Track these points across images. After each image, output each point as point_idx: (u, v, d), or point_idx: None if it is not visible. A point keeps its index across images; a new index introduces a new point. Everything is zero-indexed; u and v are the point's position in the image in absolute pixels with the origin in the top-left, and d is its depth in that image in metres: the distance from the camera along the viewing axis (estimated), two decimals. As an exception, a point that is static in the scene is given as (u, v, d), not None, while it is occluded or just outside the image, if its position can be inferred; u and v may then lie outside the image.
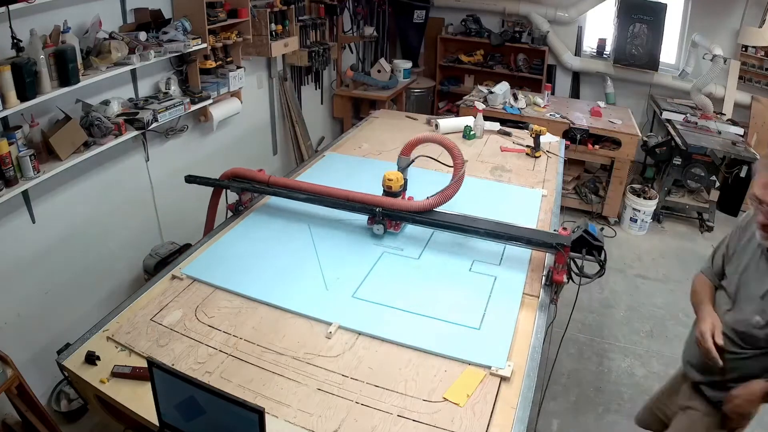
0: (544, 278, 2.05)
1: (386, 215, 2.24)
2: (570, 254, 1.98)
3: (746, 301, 1.69)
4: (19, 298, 2.56)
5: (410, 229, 2.38)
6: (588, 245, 1.96)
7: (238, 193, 2.47)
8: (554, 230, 2.24)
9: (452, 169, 2.30)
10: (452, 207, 2.32)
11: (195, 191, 3.83)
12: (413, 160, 2.43)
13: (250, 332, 1.77)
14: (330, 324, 1.80)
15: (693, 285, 1.94)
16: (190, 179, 2.54)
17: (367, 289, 1.99)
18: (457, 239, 2.38)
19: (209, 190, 2.59)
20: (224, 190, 2.52)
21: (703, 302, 1.82)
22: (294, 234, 2.35)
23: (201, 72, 3.30)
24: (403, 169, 2.40)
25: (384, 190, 2.32)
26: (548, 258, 2.17)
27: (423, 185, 2.44)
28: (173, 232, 3.43)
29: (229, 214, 2.52)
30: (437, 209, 2.25)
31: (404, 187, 2.36)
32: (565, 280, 1.99)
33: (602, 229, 2.02)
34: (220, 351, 1.69)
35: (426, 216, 2.22)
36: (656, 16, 5.51)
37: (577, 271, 2.02)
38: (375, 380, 1.60)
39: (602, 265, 1.96)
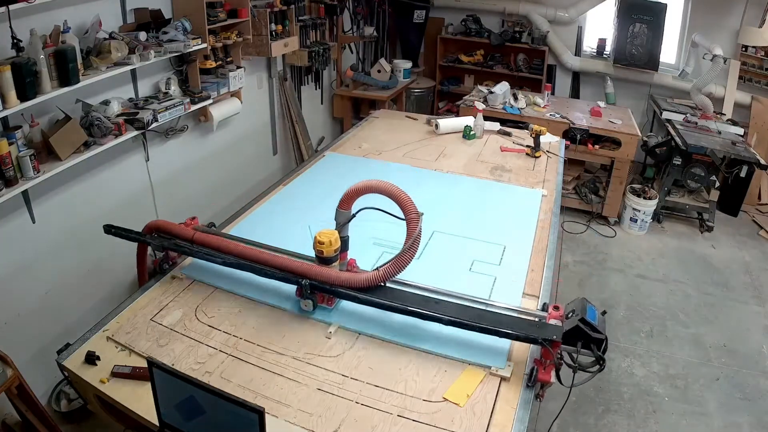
0: (526, 376, 1.64)
1: (316, 288, 1.81)
2: (561, 347, 1.59)
3: None
4: (19, 298, 2.56)
5: (349, 304, 1.88)
6: (585, 337, 1.56)
7: (160, 251, 2.07)
8: (543, 307, 1.84)
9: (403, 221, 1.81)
10: (446, 208, 2.26)
11: (195, 191, 3.84)
12: (354, 215, 1.90)
13: (250, 332, 1.77)
14: (330, 324, 1.80)
15: None
16: (109, 230, 2.13)
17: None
18: (457, 239, 2.38)
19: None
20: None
21: None
22: (294, 234, 2.35)
23: (201, 72, 3.29)
24: (341, 225, 1.91)
25: (316, 254, 1.86)
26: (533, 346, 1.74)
27: (377, 236, 2.18)
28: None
29: (157, 271, 2.13)
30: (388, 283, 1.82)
31: (343, 249, 1.90)
32: (553, 379, 1.59)
33: (604, 312, 1.63)
34: (220, 351, 1.69)
35: (372, 294, 1.78)
36: (656, 16, 5.51)
37: (571, 363, 1.59)
38: (375, 380, 1.60)
39: (602, 360, 1.55)
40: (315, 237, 1.82)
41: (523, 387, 1.61)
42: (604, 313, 1.63)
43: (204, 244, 2.02)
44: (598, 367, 1.55)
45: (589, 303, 1.63)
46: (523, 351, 1.73)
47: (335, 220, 1.92)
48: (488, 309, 1.79)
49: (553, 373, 1.57)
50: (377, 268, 1.82)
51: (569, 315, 1.64)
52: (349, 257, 1.97)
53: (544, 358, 1.58)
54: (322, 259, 1.84)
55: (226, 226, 2.43)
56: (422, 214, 1.80)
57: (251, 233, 2.35)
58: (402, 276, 1.94)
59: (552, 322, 1.66)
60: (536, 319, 1.73)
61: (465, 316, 1.68)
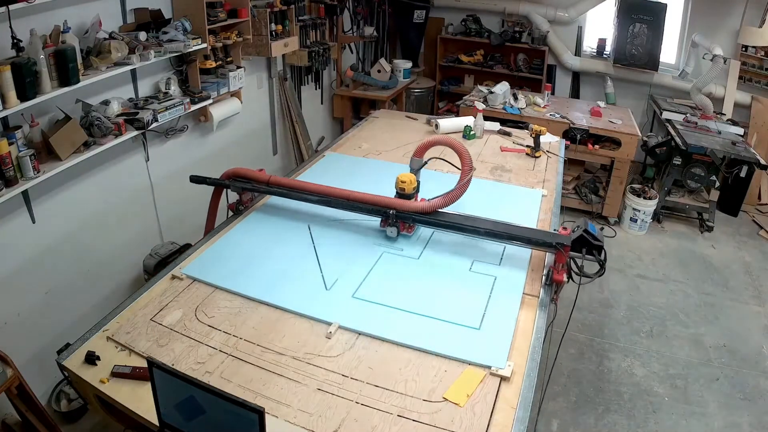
0: (544, 278, 2.05)
1: (399, 218, 2.25)
2: (570, 254, 1.98)
3: None
4: (19, 298, 2.56)
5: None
6: (588, 245, 1.97)
7: (239, 192, 2.47)
8: (554, 230, 2.24)
9: (459, 171, 2.32)
10: (453, 207, 2.31)
11: (195, 191, 3.83)
12: (426, 162, 2.44)
13: (250, 332, 1.77)
14: (330, 324, 1.80)
15: None
16: (195, 179, 2.55)
17: (367, 289, 1.99)
18: (457, 239, 2.38)
19: (209, 190, 2.59)
20: (225, 189, 2.52)
21: None
22: (294, 234, 2.35)
23: (201, 72, 3.29)
24: (415, 171, 2.42)
25: (397, 192, 2.32)
26: (548, 258, 2.17)
27: (427, 186, 2.45)
28: (173, 232, 3.44)
29: (230, 213, 2.52)
30: (441, 210, 2.26)
31: (417, 189, 2.36)
32: (565, 279, 1.99)
33: (602, 228, 2.05)
34: (220, 351, 1.69)
35: (432, 217, 2.24)
36: (656, 16, 5.51)
37: (577, 271, 2.03)
38: (375, 380, 1.60)
39: (602, 264, 1.97)
40: (398, 177, 2.31)
41: (542, 287, 2.00)
42: (602, 228, 2.08)
43: (279, 185, 2.41)
44: (599, 269, 1.95)
45: (590, 222, 2.01)
46: (524, 349, 1.73)
47: (410, 166, 2.47)
48: (513, 225, 2.18)
49: (565, 275, 1.98)
50: (432, 198, 2.26)
51: (575, 230, 2.01)
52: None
53: (557, 262, 1.99)
54: (403, 196, 2.31)
55: (226, 226, 2.43)
56: (474, 169, 2.34)
57: (251, 233, 2.36)
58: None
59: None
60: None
61: (497, 228, 2.12)
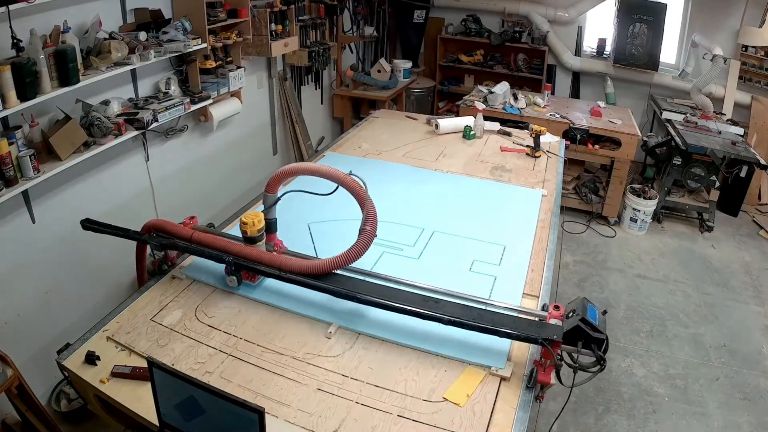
0: (525, 378, 1.63)
1: (240, 267, 1.90)
2: (562, 347, 1.58)
3: None
4: (19, 298, 2.56)
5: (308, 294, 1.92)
6: (585, 337, 1.55)
7: (159, 250, 2.07)
8: (543, 307, 1.86)
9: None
10: (446, 208, 2.29)
11: (195, 191, 3.84)
12: (279, 198, 1.99)
13: (250, 332, 1.77)
14: (330, 324, 1.80)
15: None
16: (87, 227, 2.18)
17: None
18: (457, 239, 2.38)
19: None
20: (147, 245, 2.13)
21: None
22: (294, 233, 2.35)
23: (201, 72, 3.29)
24: (267, 208, 2.00)
25: (242, 235, 1.96)
26: (532, 347, 1.74)
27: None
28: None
29: (156, 272, 2.13)
30: (339, 273, 1.86)
31: (270, 230, 2.01)
32: (553, 381, 1.57)
33: (605, 312, 1.62)
34: (220, 351, 1.69)
35: (325, 281, 1.83)
36: (656, 16, 5.51)
37: (571, 363, 1.58)
38: (375, 380, 1.60)
39: (602, 360, 1.54)
40: (240, 218, 1.95)
41: (523, 388, 1.60)
42: (604, 312, 1.63)
43: (203, 243, 1.99)
44: (598, 366, 1.54)
45: (589, 302, 1.62)
46: (523, 351, 1.73)
47: (263, 203, 2.01)
48: (488, 309, 1.79)
49: (553, 374, 1.56)
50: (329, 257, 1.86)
51: (569, 315, 1.62)
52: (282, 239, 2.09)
53: (544, 358, 1.57)
54: (248, 239, 1.94)
55: (226, 226, 2.42)
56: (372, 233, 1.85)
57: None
58: (401, 275, 1.99)
59: (552, 321, 1.65)
60: (536, 319, 1.73)
61: (465, 315, 1.67)
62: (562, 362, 1.57)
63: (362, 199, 1.84)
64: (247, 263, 1.90)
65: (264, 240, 1.99)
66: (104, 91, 2.80)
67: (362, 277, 1.93)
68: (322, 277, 1.84)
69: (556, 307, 1.69)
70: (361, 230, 1.83)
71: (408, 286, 1.91)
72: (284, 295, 1.93)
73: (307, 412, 1.49)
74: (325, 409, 1.50)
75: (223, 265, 1.93)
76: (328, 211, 2.46)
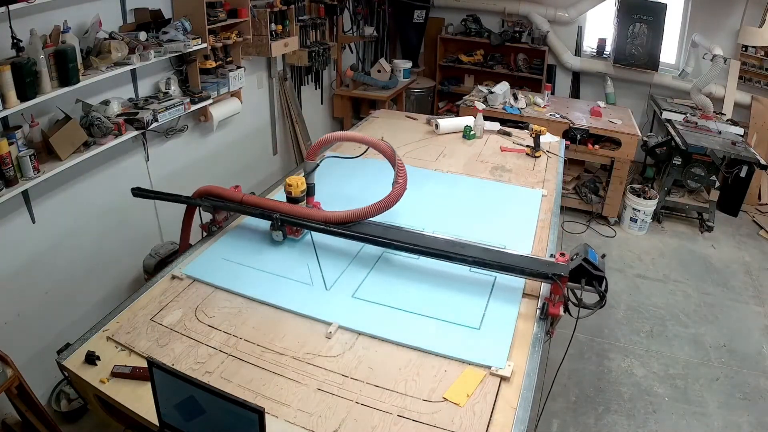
0: (538, 311, 1.88)
1: (285, 222, 2.16)
2: (568, 284, 1.82)
3: None
4: (19, 298, 2.56)
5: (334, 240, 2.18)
6: (588, 275, 1.79)
7: (211, 212, 2.31)
8: (551, 255, 2.09)
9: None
10: (440, 225, 2.29)
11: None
12: (318, 164, 2.32)
13: (250, 332, 1.77)
14: (330, 324, 1.80)
15: None
16: (140, 193, 2.42)
17: (367, 289, 1.99)
18: (457, 240, 2.37)
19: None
20: (198, 208, 2.36)
21: None
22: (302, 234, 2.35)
23: (201, 72, 3.30)
24: (308, 173, 2.31)
25: (286, 196, 2.24)
26: (543, 286, 2.00)
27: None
28: (173, 232, 3.43)
29: (204, 234, 2.36)
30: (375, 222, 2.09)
31: (309, 194, 2.29)
32: (561, 312, 1.82)
33: (603, 256, 1.85)
34: (220, 351, 1.69)
35: (349, 228, 2.07)
36: (656, 16, 5.51)
37: (576, 302, 1.84)
38: (375, 380, 1.60)
39: (603, 296, 1.79)
40: (285, 180, 2.22)
41: (536, 321, 1.82)
42: (603, 256, 1.85)
43: (252, 204, 2.24)
44: (599, 300, 1.76)
45: (590, 248, 1.83)
46: (524, 349, 1.73)
47: (303, 169, 2.34)
48: (505, 252, 1.99)
49: (561, 308, 1.79)
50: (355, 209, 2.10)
51: (573, 257, 1.83)
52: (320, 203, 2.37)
53: (553, 294, 1.80)
54: (291, 199, 2.22)
55: (202, 244, 2.41)
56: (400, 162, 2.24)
57: (252, 232, 2.36)
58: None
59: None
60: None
61: (487, 257, 1.92)
62: (569, 300, 1.81)
63: (391, 157, 2.24)
64: (293, 219, 2.15)
65: (305, 201, 2.27)
66: (104, 91, 2.80)
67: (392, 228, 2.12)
68: (357, 227, 2.08)
69: (562, 254, 1.90)
70: (394, 182, 2.15)
71: (432, 238, 2.09)
72: (284, 296, 1.93)
73: (307, 412, 1.49)
74: (325, 409, 1.50)
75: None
76: (358, 180, 2.62)
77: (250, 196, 2.31)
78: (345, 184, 2.83)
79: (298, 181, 2.22)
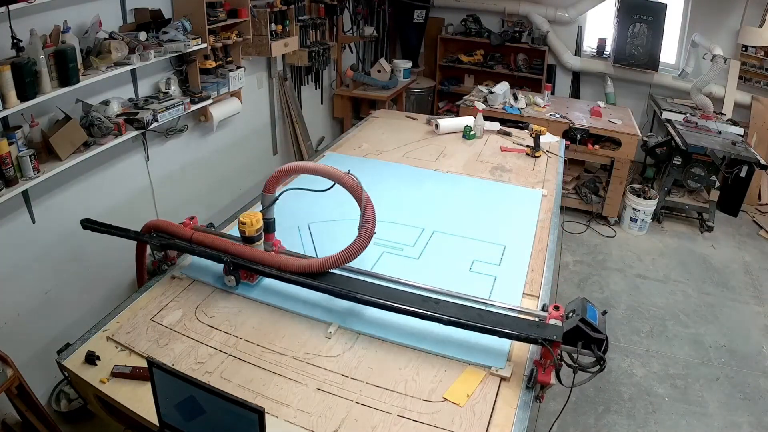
0: (525, 378, 1.64)
1: (239, 266, 1.91)
2: (562, 347, 1.58)
3: None
4: (19, 298, 2.56)
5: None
6: (585, 337, 1.54)
7: (159, 250, 2.07)
8: (543, 307, 1.85)
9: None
10: (446, 208, 2.29)
11: (195, 191, 3.84)
12: (277, 198, 2.00)
13: (250, 332, 1.77)
14: (330, 324, 1.80)
15: None
16: (89, 226, 2.18)
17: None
18: (457, 240, 2.38)
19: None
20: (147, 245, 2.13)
21: None
22: (294, 233, 2.35)
23: (201, 72, 3.29)
24: (266, 208, 2.01)
25: (240, 236, 1.97)
26: (532, 346, 1.74)
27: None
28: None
29: (156, 272, 2.13)
30: (333, 272, 1.86)
31: (269, 230, 2.01)
32: (553, 381, 1.57)
33: (604, 313, 1.62)
34: (220, 351, 1.69)
35: (324, 280, 1.84)
36: (656, 16, 5.51)
37: (571, 363, 1.57)
38: (375, 380, 1.60)
39: (602, 361, 1.53)
40: (239, 218, 1.95)
41: (523, 389, 1.60)
42: (604, 313, 1.62)
43: (203, 243, 2.00)
44: (598, 367, 1.54)
45: (589, 303, 1.61)
46: (523, 351, 1.73)
47: (261, 203, 2.02)
48: (488, 309, 1.80)
49: (553, 374, 1.56)
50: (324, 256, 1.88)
51: (569, 315, 1.62)
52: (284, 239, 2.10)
53: (544, 358, 1.57)
54: (246, 239, 1.95)
55: (225, 226, 2.42)
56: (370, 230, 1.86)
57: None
58: (401, 275, 1.99)
59: (552, 322, 1.65)
60: (536, 319, 1.74)
61: (465, 316, 1.67)
62: (562, 363, 1.57)
63: (359, 197, 1.86)
64: (245, 263, 1.91)
65: (262, 240, 1.99)
66: (104, 91, 2.80)
67: (362, 277, 1.93)
68: (321, 277, 1.85)
69: (556, 308, 1.69)
70: (360, 227, 1.85)
71: (407, 286, 1.92)
72: (284, 296, 1.93)
73: (307, 412, 1.49)
74: (325, 409, 1.50)
75: (220, 262, 1.92)
76: (328, 210, 2.46)
77: (202, 233, 2.06)
78: (316, 204, 2.58)
79: (252, 219, 1.93)
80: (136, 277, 2.26)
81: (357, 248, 1.83)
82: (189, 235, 2.02)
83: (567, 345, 1.56)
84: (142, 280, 2.21)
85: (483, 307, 1.79)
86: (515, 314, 1.77)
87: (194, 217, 2.19)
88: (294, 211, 2.53)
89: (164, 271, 2.08)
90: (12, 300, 2.52)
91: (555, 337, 1.56)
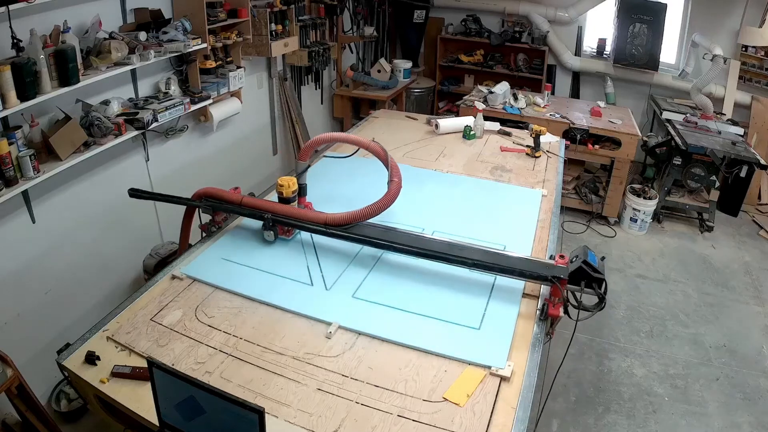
0: (538, 312, 1.89)
1: (277, 222, 2.18)
2: (567, 286, 1.82)
3: None
4: (19, 298, 2.56)
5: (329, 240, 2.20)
6: (587, 277, 1.79)
7: (210, 213, 2.34)
8: (550, 257, 2.09)
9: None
10: (446, 208, 2.30)
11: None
12: (309, 165, 2.40)
13: (250, 332, 1.77)
14: (330, 324, 1.80)
15: None
16: (136, 194, 2.43)
17: (367, 289, 1.99)
18: (457, 240, 2.37)
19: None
20: (197, 209, 2.38)
21: None
22: (294, 234, 2.35)
23: (201, 72, 3.29)
24: (299, 174, 2.35)
25: (278, 196, 2.26)
26: (543, 287, 1.99)
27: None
28: (173, 232, 3.42)
29: (203, 234, 2.38)
30: (371, 223, 2.10)
31: (301, 194, 2.32)
32: (561, 314, 1.84)
33: (603, 258, 1.85)
34: (220, 351, 1.69)
35: (348, 230, 2.09)
36: (656, 16, 5.51)
37: (575, 304, 1.85)
38: (375, 380, 1.60)
39: (603, 298, 1.79)
40: (277, 181, 2.24)
41: (536, 321, 1.82)
42: (603, 258, 1.84)
43: (253, 206, 2.24)
44: (600, 305, 1.77)
45: (589, 250, 1.82)
46: (524, 349, 1.73)
47: (295, 169, 2.38)
48: (505, 255, 1.99)
49: (561, 309, 1.80)
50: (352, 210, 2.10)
51: (573, 260, 1.83)
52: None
53: (553, 295, 1.81)
54: (282, 199, 2.24)
55: (223, 228, 2.42)
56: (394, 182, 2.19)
57: (252, 232, 2.36)
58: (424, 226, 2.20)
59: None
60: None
61: (486, 258, 1.93)
62: (569, 302, 1.82)
63: (384, 158, 2.26)
64: (283, 218, 2.17)
65: (297, 201, 2.28)
66: (104, 91, 2.80)
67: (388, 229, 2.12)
68: (356, 229, 2.08)
69: (562, 256, 1.88)
70: (390, 181, 2.17)
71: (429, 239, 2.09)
72: (284, 295, 1.93)
73: (307, 412, 1.49)
74: (325, 409, 1.50)
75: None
76: (329, 206, 2.46)
77: (249, 197, 2.32)
78: (340, 184, 2.85)
79: (289, 182, 2.23)
80: (179, 243, 2.50)
81: (390, 197, 2.10)
82: (239, 199, 2.27)
83: (572, 285, 1.80)
84: (184, 245, 2.43)
85: (500, 254, 1.99)
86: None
87: (238, 187, 2.40)
88: (320, 187, 2.56)
89: (212, 234, 2.33)
90: (12, 300, 2.52)
91: (562, 275, 1.79)
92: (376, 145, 2.27)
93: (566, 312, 1.84)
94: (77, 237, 2.83)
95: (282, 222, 2.19)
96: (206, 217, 2.36)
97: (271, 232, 2.19)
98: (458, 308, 1.90)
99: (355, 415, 1.48)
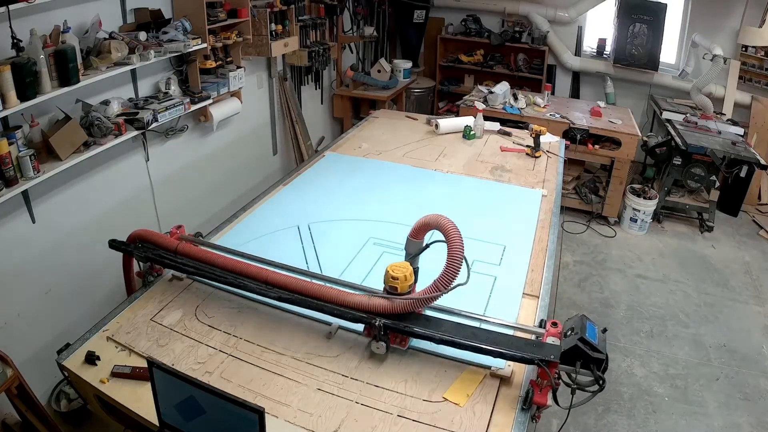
0: (520, 399, 1.55)
1: (389, 329, 1.64)
2: (559, 366, 1.49)
3: None
4: (19, 298, 2.56)
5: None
6: (584, 357, 1.45)
7: (144, 262, 1.98)
8: (540, 323, 1.75)
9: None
10: (446, 208, 2.29)
11: (195, 191, 3.84)
12: (428, 246, 1.75)
13: (250, 332, 1.77)
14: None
15: None
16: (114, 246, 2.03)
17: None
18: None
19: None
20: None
21: None
22: (294, 233, 2.35)
23: (201, 72, 3.29)
24: (412, 256, 1.78)
25: (386, 290, 1.69)
26: (527, 367, 1.65)
27: None
28: (173, 232, 3.43)
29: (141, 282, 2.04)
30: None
31: (415, 282, 1.73)
32: (549, 402, 1.49)
33: (604, 330, 1.53)
34: (220, 351, 1.69)
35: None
36: (656, 16, 5.51)
37: (569, 382, 1.48)
38: (375, 380, 1.60)
39: (602, 381, 1.45)
40: (387, 271, 1.64)
41: (518, 410, 1.51)
42: (604, 330, 1.53)
43: (188, 255, 1.91)
44: (597, 387, 1.45)
45: (588, 320, 1.54)
46: (520, 368, 1.67)
47: (405, 249, 1.79)
48: (482, 327, 1.70)
49: (549, 396, 1.48)
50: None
51: (568, 333, 1.53)
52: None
53: (540, 378, 1.50)
54: (395, 295, 1.67)
55: (223, 228, 2.42)
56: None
57: (252, 232, 2.36)
58: None
59: (549, 340, 1.56)
60: (533, 338, 1.66)
61: (459, 334, 1.60)
62: (560, 382, 1.50)
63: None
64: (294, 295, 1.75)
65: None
66: (104, 91, 2.79)
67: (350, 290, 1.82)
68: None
69: (554, 324, 1.61)
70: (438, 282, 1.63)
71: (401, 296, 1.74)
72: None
73: (307, 412, 1.49)
74: (325, 409, 1.50)
75: (210, 278, 1.84)
76: (328, 211, 2.47)
77: (186, 244, 1.94)
78: (347, 180, 2.86)
79: (405, 272, 1.62)
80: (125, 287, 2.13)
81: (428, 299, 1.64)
82: (174, 246, 1.89)
83: (565, 365, 1.48)
84: (130, 289, 2.09)
85: (478, 324, 1.70)
86: (511, 331, 1.69)
87: (181, 226, 2.09)
88: (294, 211, 2.53)
89: (150, 283, 1.98)
90: (12, 300, 2.52)
91: (552, 357, 1.47)
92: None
93: (555, 400, 1.49)
94: (77, 237, 2.83)
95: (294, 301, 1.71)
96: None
97: (383, 343, 1.64)
98: (458, 308, 1.89)
99: (355, 415, 1.48)
